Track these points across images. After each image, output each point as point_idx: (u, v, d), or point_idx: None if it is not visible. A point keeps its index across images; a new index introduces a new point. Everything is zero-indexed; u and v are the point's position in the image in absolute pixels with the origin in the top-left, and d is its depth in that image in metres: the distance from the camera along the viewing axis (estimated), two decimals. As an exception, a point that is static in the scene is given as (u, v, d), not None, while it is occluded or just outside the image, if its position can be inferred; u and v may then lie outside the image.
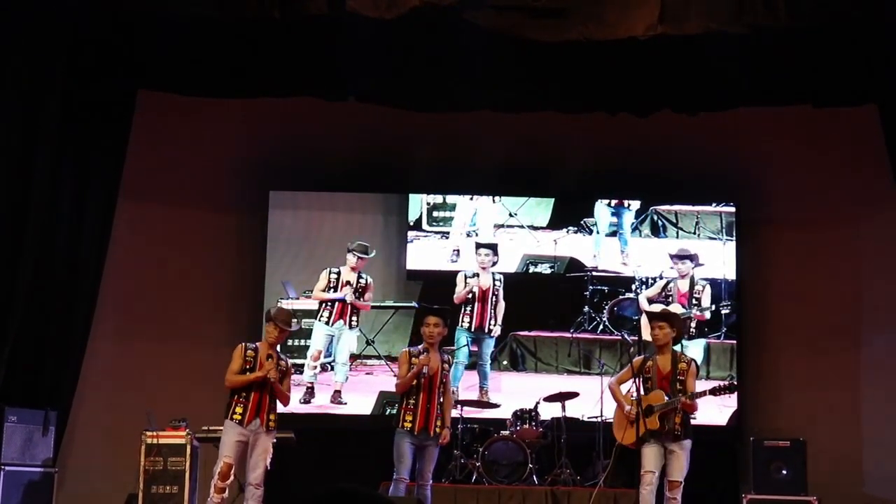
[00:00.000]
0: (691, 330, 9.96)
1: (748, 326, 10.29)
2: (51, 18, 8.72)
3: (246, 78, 9.50)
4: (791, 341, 10.28)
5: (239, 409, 7.56)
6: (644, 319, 9.99)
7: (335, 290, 10.08)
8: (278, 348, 7.86)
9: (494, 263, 10.15)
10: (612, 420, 8.02)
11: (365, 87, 9.55)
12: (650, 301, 10.09)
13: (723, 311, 10.12)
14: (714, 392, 7.56)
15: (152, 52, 9.14)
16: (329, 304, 10.09)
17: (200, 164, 10.43)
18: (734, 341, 10.16)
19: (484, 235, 10.34)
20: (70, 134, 9.23)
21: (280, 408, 7.83)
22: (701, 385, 7.85)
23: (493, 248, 10.18)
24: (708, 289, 10.13)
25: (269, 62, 9.32)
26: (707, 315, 10.09)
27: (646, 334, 9.93)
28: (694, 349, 9.77)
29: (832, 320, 10.22)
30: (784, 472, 8.99)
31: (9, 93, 8.78)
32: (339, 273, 10.10)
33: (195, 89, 9.71)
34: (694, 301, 10.09)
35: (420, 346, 7.82)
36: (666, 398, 7.43)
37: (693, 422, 9.71)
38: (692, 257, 10.15)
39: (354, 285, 10.08)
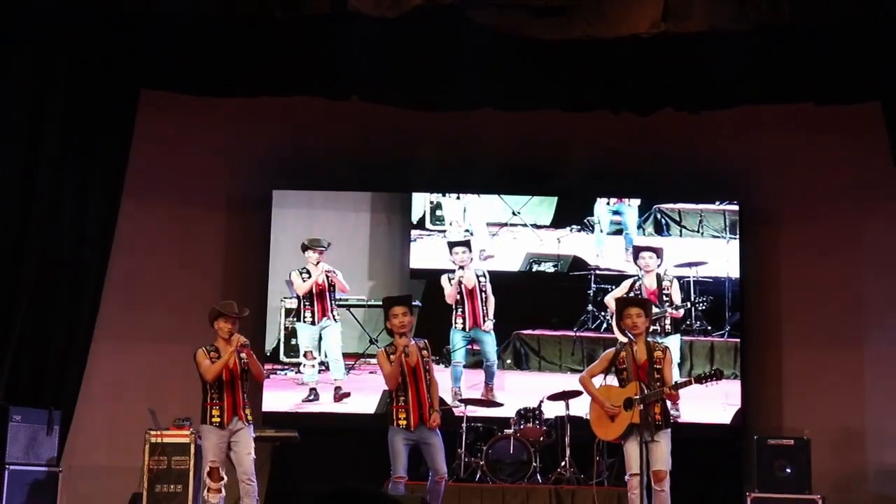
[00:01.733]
0: (667, 328, 9.93)
1: (752, 325, 10.27)
2: (53, 18, 8.73)
3: (248, 77, 9.50)
4: (795, 339, 10.27)
5: (216, 412, 7.57)
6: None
7: (312, 289, 10.08)
8: None
9: (472, 260, 10.13)
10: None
11: (367, 86, 9.55)
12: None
13: (700, 308, 10.06)
14: (699, 380, 7.27)
15: (155, 52, 9.15)
16: (309, 303, 10.11)
17: (203, 164, 10.43)
18: (738, 339, 10.14)
19: (479, 232, 10.32)
20: (73, 134, 9.23)
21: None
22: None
23: (465, 244, 10.15)
24: (676, 284, 10.08)
25: (271, 61, 9.32)
26: (681, 312, 10.04)
27: (620, 333, 9.91)
28: (672, 345, 9.68)
29: (836, 318, 10.21)
30: (788, 470, 8.98)
31: (12, 93, 8.79)
32: (308, 272, 10.12)
33: (197, 89, 9.71)
34: (664, 298, 10.04)
35: (402, 340, 7.66)
36: (645, 389, 7.20)
37: (696, 420, 9.78)
38: (657, 251, 10.11)
39: (328, 280, 10.10)
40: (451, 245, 10.17)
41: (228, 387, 7.60)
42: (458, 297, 10.06)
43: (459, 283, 10.05)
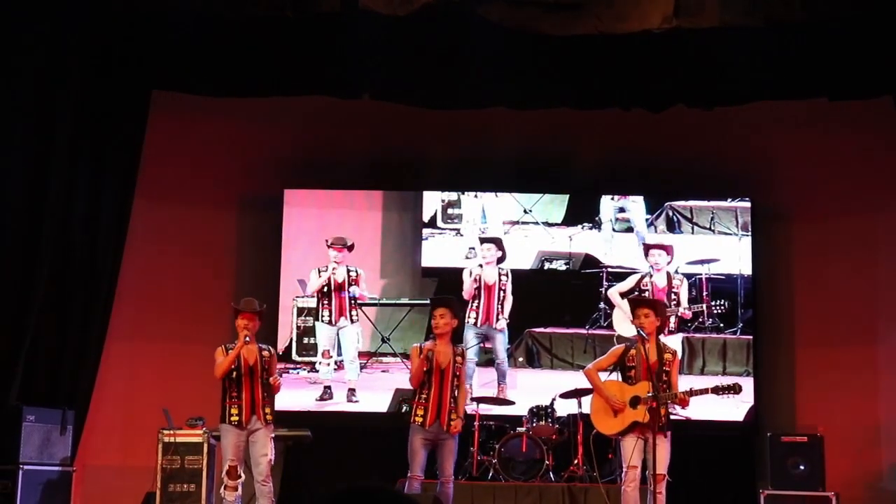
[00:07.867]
0: (670, 326, 9.90)
1: (765, 322, 10.25)
2: (64, 20, 8.75)
3: (259, 77, 9.50)
4: (808, 336, 10.24)
5: (234, 411, 7.61)
6: (618, 312, 9.92)
7: (328, 289, 10.08)
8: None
9: (500, 259, 10.11)
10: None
11: (378, 84, 9.55)
12: (622, 296, 9.97)
13: (716, 311, 10.02)
14: (717, 391, 7.30)
15: (165, 52, 9.16)
16: (327, 303, 10.10)
17: (215, 164, 10.45)
18: (750, 336, 10.11)
19: (494, 231, 10.32)
20: (85, 135, 9.25)
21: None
22: (701, 381, 7.61)
23: (496, 241, 10.15)
24: (686, 284, 10.05)
25: (282, 60, 9.32)
26: (690, 314, 10.01)
27: (619, 327, 9.88)
28: (673, 343, 9.64)
29: (849, 314, 10.17)
30: (801, 467, 8.95)
31: (24, 95, 8.82)
32: (327, 269, 10.12)
33: (208, 89, 9.72)
34: (673, 296, 10.00)
35: (430, 341, 7.79)
36: (652, 389, 7.17)
37: (709, 417, 9.74)
38: (667, 249, 10.07)
39: (348, 279, 10.09)
40: (483, 241, 10.17)
41: (247, 385, 7.62)
42: (476, 292, 10.06)
43: (477, 279, 10.04)
